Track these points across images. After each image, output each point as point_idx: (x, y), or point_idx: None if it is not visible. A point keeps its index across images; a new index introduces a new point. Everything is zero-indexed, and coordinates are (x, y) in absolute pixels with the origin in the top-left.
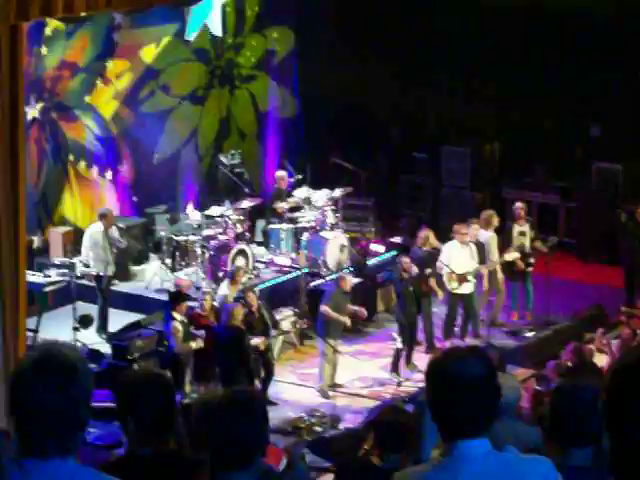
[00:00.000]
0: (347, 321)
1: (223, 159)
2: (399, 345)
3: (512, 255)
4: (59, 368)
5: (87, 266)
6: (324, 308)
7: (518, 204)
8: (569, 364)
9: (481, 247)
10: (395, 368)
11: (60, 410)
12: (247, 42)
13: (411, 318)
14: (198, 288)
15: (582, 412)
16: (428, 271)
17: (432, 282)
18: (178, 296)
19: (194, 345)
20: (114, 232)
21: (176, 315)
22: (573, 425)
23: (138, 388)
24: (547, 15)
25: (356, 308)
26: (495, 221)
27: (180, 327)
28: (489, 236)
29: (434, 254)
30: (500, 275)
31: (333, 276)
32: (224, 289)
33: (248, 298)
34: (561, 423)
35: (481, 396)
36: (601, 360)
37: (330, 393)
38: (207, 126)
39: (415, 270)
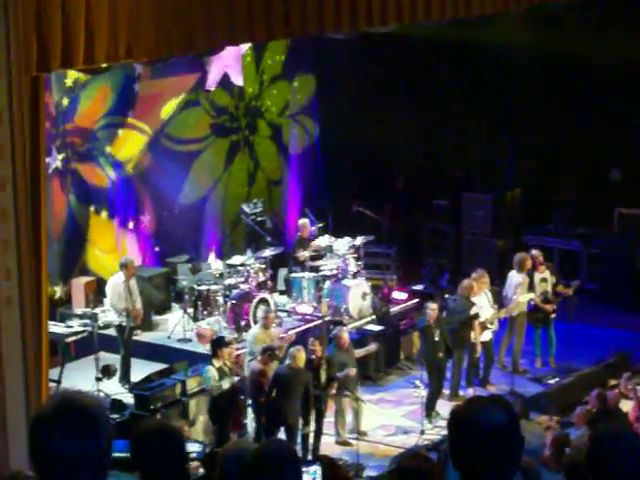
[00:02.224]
0: (353, 372)
1: (245, 208)
2: (422, 392)
3: (526, 296)
4: (79, 415)
5: (120, 313)
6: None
7: (534, 252)
8: (593, 410)
9: (495, 293)
10: (428, 413)
11: (80, 457)
12: (268, 91)
13: (438, 365)
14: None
15: (622, 459)
16: (478, 318)
17: (477, 329)
18: (218, 342)
19: (226, 384)
20: (134, 283)
21: (215, 362)
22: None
23: (144, 441)
24: (566, 63)
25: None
26: (528, 264)
27: (216, 373)
28: (521, 279)
29: (463, 303)
30: (524, 321)
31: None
32: (255, 329)
33: (312, 346)
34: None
35: (503, 445)
36: (626, 406)
37: (353, 442)
38: (234, 176)
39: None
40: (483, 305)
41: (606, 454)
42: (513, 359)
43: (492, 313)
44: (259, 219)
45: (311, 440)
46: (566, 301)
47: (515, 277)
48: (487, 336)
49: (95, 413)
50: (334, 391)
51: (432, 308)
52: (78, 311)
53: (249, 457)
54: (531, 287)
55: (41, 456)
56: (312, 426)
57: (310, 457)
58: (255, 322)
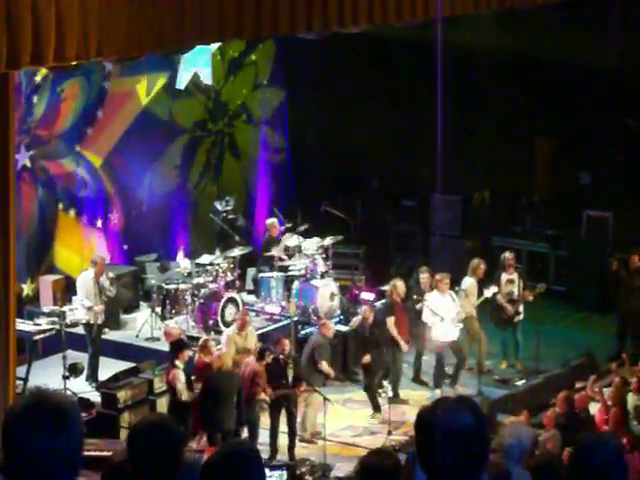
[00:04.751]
0: (332, 372)
1: (218, 206)
2: (389, 393)
3: (490, 290)
4: (50, 411)
5: (90, 308)
6: (325, 366)
7: (507, 254)
8: (561, 412)
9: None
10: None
11: (53, 454)
12: (238, 90)
13: (366, 367)
14: (190, 337)
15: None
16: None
17: (393, 332)
18: (180, 344)
19: (190, 396)
20: (104, 280)
21: (178, 363)
22: None
23: (138, 436)
24: (536, 64)
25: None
26: (480, 271)
27: (183, 375)
28: (470, 282)
29: (392, 304)
30: (477, 324)
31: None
32: (229, 331)
33: (280, 344)
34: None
35: (470, 446)
36: (593, 408)
37: (317, 441)
38: (197, 172)
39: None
40: (447, 305)
41: (589, 464)
42: (478, 361)
43: (457, 311)
44: (230, 217)
45: (286, 442)
46: (532, 303)
47: (465, 281)
48: (455, 335)
49: (67, 409)
50: (303, 388)
51: (365, 310)
52: (46, 309)
53: (212, 457)
54: (497, 287)
55: (13, 453)
56: (285, 428)
57: (285, 457)
58: (223, 321)
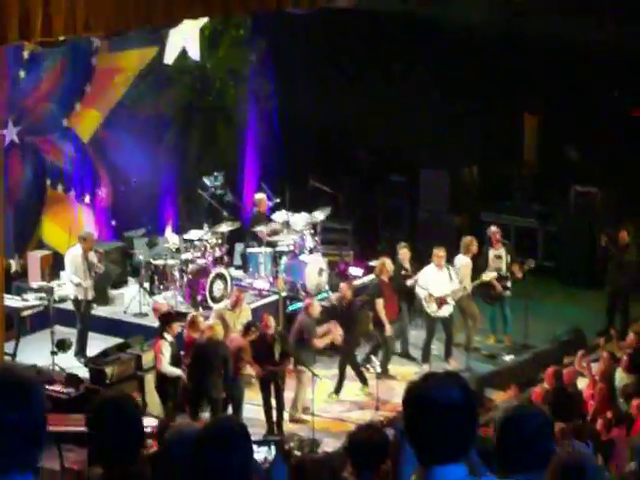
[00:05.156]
0: (336, 336)
1: (206, 181)
2: (378, 368)
3: (489, 275)
4: (15, 385)
5: (78, 284)
6: (319, 341)
7: (493, 228)
8: (549, 388)
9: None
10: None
11: (18, 427)
12: (223, 60)
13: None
14: (179, 313)
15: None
16: (379, 300)
17: (381, 314)
18: (169, 317)
19: (178, 372)
20: (92, 257)
21: (167, 335)
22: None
23: (98, 412)
24: (525, 39)
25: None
26: (474, 248)
27: (168, 347)
28: (465, 261)
29: (377, 282)
30: (473, 303)
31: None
32: (221, 308)
33: (266, 321)
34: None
35: (458, 422)
36: (581, 383)
37: (306, 417)
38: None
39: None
40: (442, 280)
41: (512, 434)
42: (467, 337)
43: (452, 289)
44: (219, 192)
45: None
46: (521, 280)
47: (459, 259)
48: (447, 311)
49: (29, 384)
50: (291, 366)
51: (342, 288)
52: (34, 285)
53: (200, 432)
54: (485, 263)
55: None
56: (273, 403)
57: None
58: (212, 297)
